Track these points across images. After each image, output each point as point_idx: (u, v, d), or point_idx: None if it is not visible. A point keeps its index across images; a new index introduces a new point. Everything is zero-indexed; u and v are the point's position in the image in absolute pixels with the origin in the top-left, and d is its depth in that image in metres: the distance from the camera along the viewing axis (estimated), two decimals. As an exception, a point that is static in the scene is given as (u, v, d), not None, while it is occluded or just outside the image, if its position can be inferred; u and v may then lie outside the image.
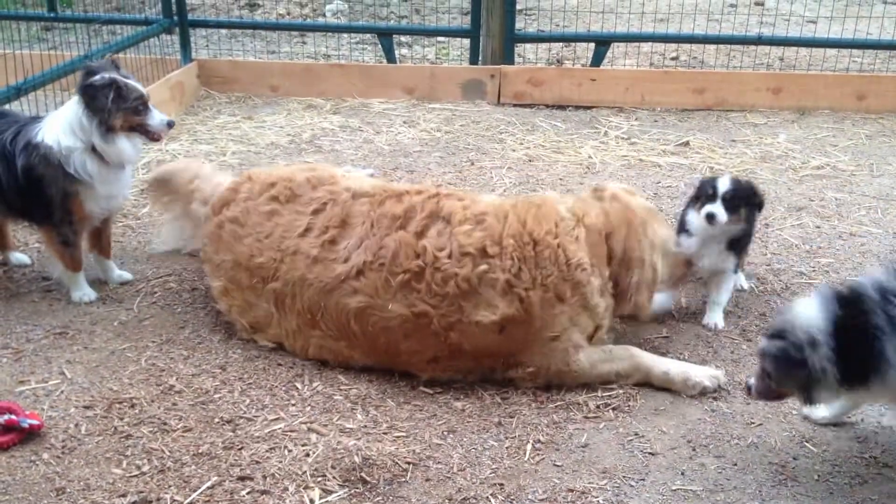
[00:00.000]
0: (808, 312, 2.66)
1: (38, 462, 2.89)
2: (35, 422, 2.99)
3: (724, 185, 3.79)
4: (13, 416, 2.96)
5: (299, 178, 3.75)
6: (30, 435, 2.99)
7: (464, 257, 3.33)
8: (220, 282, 3.73)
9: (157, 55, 7.08)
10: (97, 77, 3.76)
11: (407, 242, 3.39)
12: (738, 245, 3.90)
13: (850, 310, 2.60)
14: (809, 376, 2.61)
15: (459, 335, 3.32)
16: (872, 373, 2.56)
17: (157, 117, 3.86)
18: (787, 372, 2.69)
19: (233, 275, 3.67)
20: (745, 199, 3.81)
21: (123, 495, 2.74)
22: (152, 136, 3.90)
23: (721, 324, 3.88)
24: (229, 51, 8.22)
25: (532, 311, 3.30)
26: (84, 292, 3.94)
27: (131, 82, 3.82)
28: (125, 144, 3.82)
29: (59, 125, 3.76)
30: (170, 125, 3.91)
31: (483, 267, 3.31)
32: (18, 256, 4.28)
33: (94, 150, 3.76)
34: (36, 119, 3.95)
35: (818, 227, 4.98)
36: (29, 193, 3.75)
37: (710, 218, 3.74)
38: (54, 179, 3.73)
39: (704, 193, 3.80)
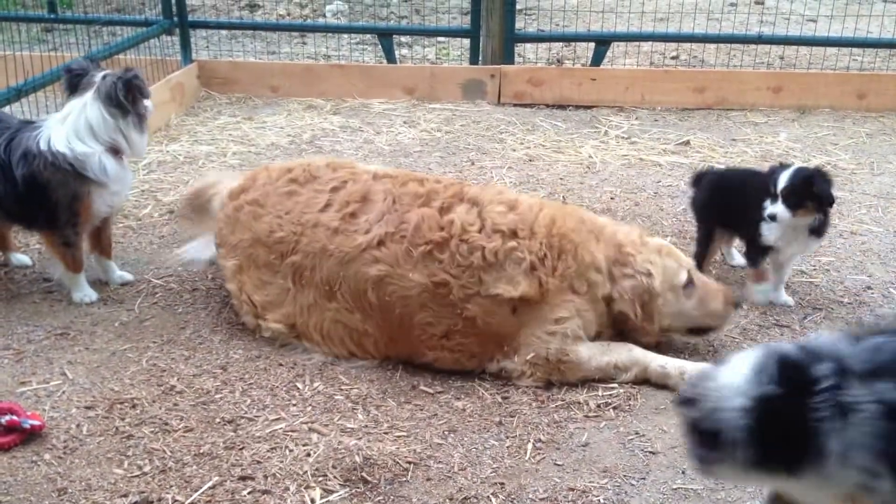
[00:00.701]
0: (734, 379, 2.05)
1: (39, 462, 2.89)
2: (36, 422, 3.00)
3: (783, 181, 3.72)
4: (14, 417, 2.97)
5: (318, 163, 3.84)
6: (31, 435, 2.99)
7: (494, 234, 3.42)
8: (234, 261, 3.75)
9: (158, 56, 7.08)
10: (112, 72, 3.83)
11: (430, 216, 3.46)
12: (820, 230, 3.90)
13: (789, 388, 2.01)
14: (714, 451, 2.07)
15: (476, 307, 3.39)
16: (807, 464, 2.03)
17: (150, 107, 3.99)
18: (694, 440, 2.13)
19: (250, 252, 3.70)
20: (805, 195, 3.72)
21: (125, 495, 2.74)
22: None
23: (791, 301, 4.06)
24: (229, 52, 8.23)
25: (546, 297, 3.40)
26: (85, 293, 3.95)
27: (140, 76, 3.92)
28: (145, 137, 3.95)
29: (72, 130, 3.73)
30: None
31: (512, 244, 3.40)
32: (19, 257, 4.29)
33: (112, 150, 3.77)
34: (28, 123, 3.93)
35: (819, 225, 4.98)
36: (30, 200, 3.74)
37: (772, 218, 3.74)
38: (63, 184, 3.71)
39: (771, 187, 3.76)
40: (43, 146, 3.70)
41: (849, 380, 1.97)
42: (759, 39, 7.89)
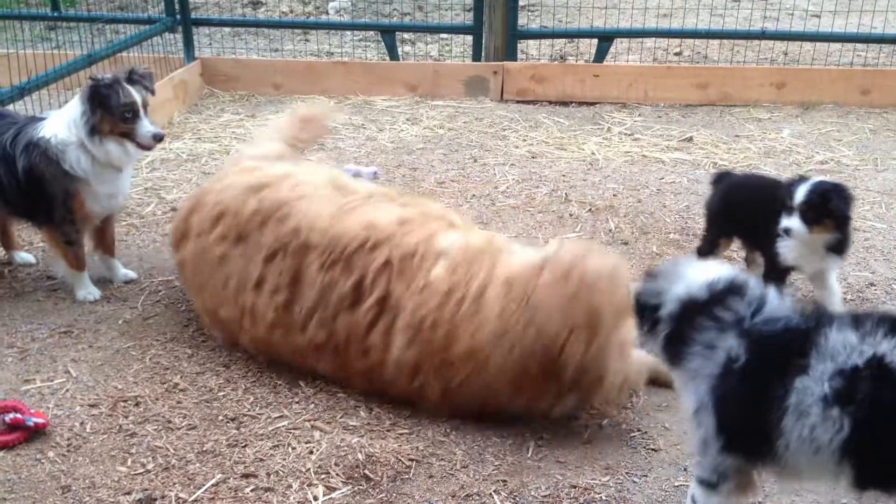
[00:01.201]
0: (686, 282, 2.42)
1: (43, 460, 2.91)
2: (40, 420, 3.01)
3: (800, 195, 3.52)
4: (18, 415, 2.98)
5: (247, 210, 3.47)
6: (35, 433, 3.01)
7: (400, 373, 3.19)
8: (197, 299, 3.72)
9: (161, 54, 7.10)
10: (103, 76, 3.79)
11: (357, 336, 3.22)
12: (839, 247, 3.70)
13: (710, 300, 2.36)
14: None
15: None
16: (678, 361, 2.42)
17: (145, 128, 3.82)
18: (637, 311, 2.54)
19: (205, 320, 3.67)
20: (823, 210, 3.53)
21: (128, 493, 2.75)
22: (139, 146, 3.88)
23: None
24: (232, 49, 8.23)
25: None
26: (88, 291, 3.96)
27: (127, 89, 3.78)
28: (112, 147, 3.81)
29: (60, 120, 3.79)
30: (157, 138, 3.85)
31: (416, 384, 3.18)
32: (23, 256, 4.30)
33: (82, 146, 3.78)
34: (35, 119, 3.97)
35: (822, 222, 4.97)
36: (31, 193, 3.77)
37: (787, 232, 3.57)
38: (55, 178, 3.75)
39: (788, 200, 3.56)
40: (39, 135, 3.75)
41: (730, 331, 2.29)
42: (763, 35, 7.87)
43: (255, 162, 3.86)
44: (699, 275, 2.43)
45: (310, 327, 3.28)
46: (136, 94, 3.81)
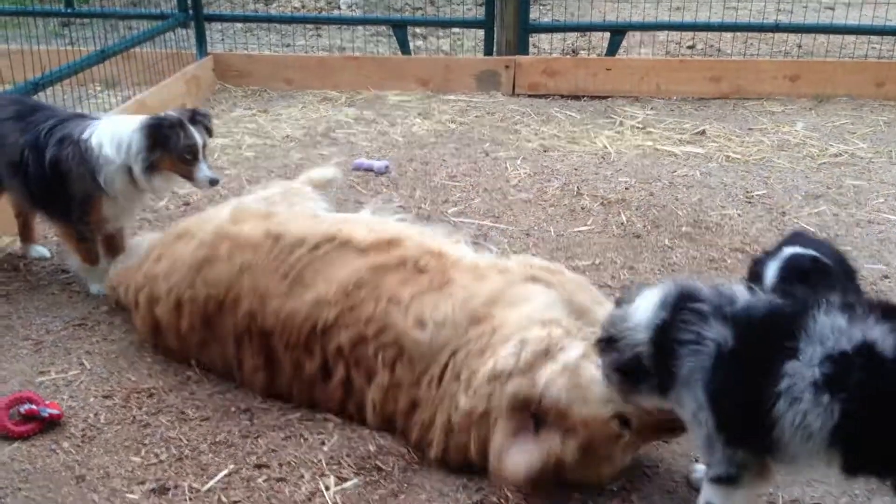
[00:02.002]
0: (641, 315, 2.34)
1: (58, 451, 2.93)
2: (55, 411, 3.03)
3: (770, 275, 2.89)
4: (33, 406, 3.00)
5: (199, 297, 3.28)
6: (50, 424, 3.03)
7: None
8: None
9: (173, 49, 7.12)
10: (167, 115, 3.79)
11: (334, 407, 3.12)
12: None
13: (672, 316, 2.28)
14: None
15: None
16: (670, 388, 2.32)
17: (202, 172, 3.80)
18: (615, 378, 2.44)
19: None
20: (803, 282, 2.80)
21: (142, 483, 2.77)
22: (194, 186, 3.94)
23: None
24: (244, 44, 8.25)
25: None
26: (102, 285, 3.98)
27: (190, 130, 3.76)
28: (160, 182, 3.83)
29: (111, 134, 3.74)
30: (213, 182, 3.83)
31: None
32: (39, 249, 4.33)
33: (129, 171, 3.75)
34: (80, 116, 3.93)
35: (836, 214, 4.95)
36: (53, 185, 3.77)
37: None
38: (81, 179, 3.72)
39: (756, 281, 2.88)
40: (84, 135, 3.72)
41: (713, 320, 2.21)
42: (777, 28, 7.83)
43: (186, 223, 3.68)
44: (646, 301, 2.34)
45: (293, 397, 3.22)
46: (197, 136, 3.77)
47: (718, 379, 2.19)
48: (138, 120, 3.80)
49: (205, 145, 3.83)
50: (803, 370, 2.07)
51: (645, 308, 2.33)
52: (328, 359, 3.07)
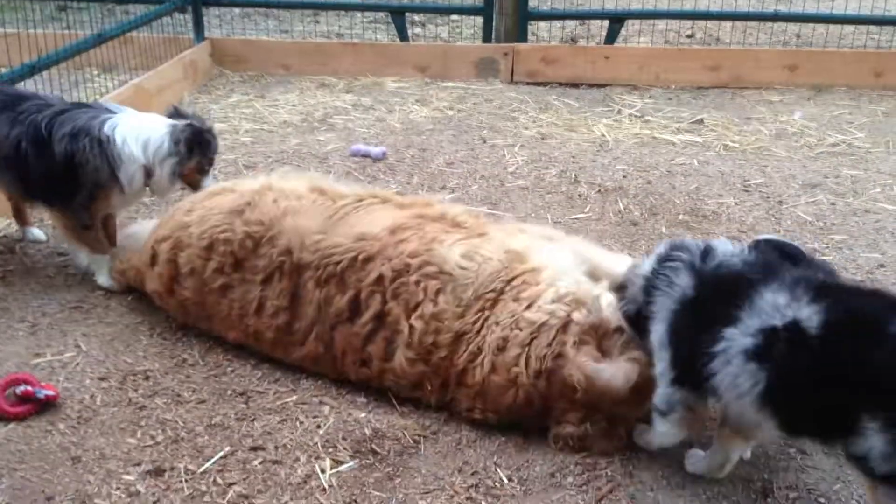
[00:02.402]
0: (646, 262, 2.70)
1: (53, 432, 2.93)
2: (51, 393, 3.03)
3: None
4: (29, 388, 3.00)
5: (236, 236, 3.35)
6: (46, 406, 3.03)
7: (400, 383, 3.12)
8: None
9: (171, 34, 7.10)
10: (202, 122, 3.87)
11: (354, 348, 3.15)
12: None
13: (658, 266, 2.62)
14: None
15: None
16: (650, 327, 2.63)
17: (208, 181, 3.91)
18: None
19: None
20: None
21: (138, 464, 2.78)
22: (193, 191, 3.94)
23: None
24: (242, 30, 8.22)
25: None
26: (112, 277, 3.88)
27: (217, 140, 3.90)
28: (177, 186, 3.88)
29: (136, 133, 3.71)
30: None
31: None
32: (35, 232, 4.31)
33: (147, 171, 3.75)
34: (82, 106, 3.86)
35: (833, 203, 4.95)
36: (59, 177, 3.69)
37: None
38: (97, 171, 3.67)
39: None
40: (105, 130, 3.67)
41: (684, 270, 2.50)
42: (776, 17, 7.81)
43: (225, 183, 3.79)
44: (653, 254, 2.69)
45: (308, 341, 3.23)
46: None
47: (676, 321, 2.49)
48: (165, 122, 3.80)
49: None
50: (738, 338, 2.32)
51: (649, 260, 2.67)
52: (361, 293, 3.13)
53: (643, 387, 2.70)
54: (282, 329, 3.27)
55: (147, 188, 3.86)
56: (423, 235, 3.17)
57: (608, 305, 2.90)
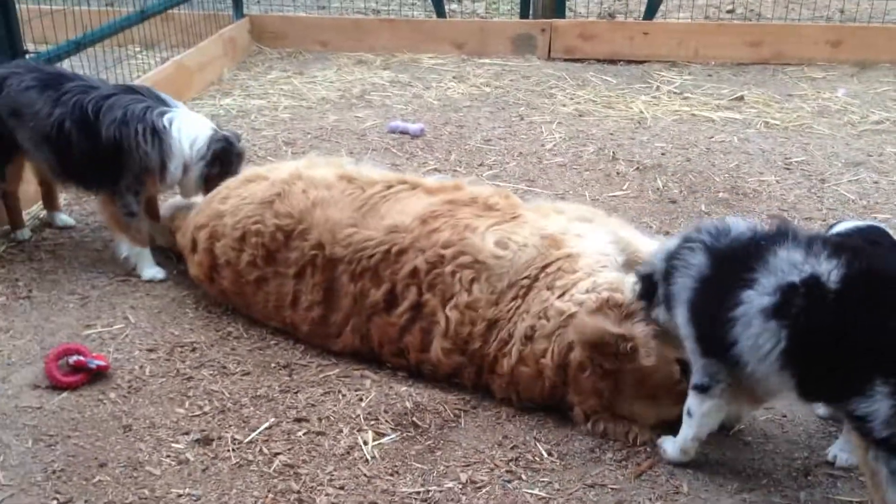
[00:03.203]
0: (666, 246, 2.73)
1: (105, 401, 3.02)
2: (102, 363, 3.12)
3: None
4: (81, 357, 3.10)
5: (267, 229, 3.38)
6: (97, 375, 3.12)
7: (437, 369, 3.13)
8: None
9: (210, 10, 7.14)
10: (237, 140, 4.00)
11: (391, 338, 3.18)
12: None
13: (678, 247, 2.64)
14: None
15: None
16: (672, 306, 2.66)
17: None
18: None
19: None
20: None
21: (187, 433, 2.86)
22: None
23: None
24: (280, 6, 8.25)
25: None
26: (155, 271, 3.90)
27: (238, 164, 3.97)
28: (200, 189, 3.94)
29: (188, 131, 3.80)
30: None
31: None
32: (63, 217, 4.33)
33: (186, 168, 3.84)
34: (129, 91, 3.87)
35: (876, 182, 4.89)
36: (104, 161, 3.73)
37: None
38: (147, 157, 3.72)
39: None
40: (164, 122, 3.75)
41: (699, 250, 2.53)
42: (819, -8, 7.66)
43: (259, 168, 3.82)
44: (669, 244, 2.73)
45: (345, 333, 3.27)
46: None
47: (696, 298, 2.53)
48: (210, 126, 3.89)
49: None
50: (756, 299, 2.33)
51: (670, 242, 2.73)
52: (396, 286, 3.14)
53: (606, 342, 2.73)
54: (317, 322, 3.31)
55: (178, 185, 3.93)
56: (456, 223, 3.16)
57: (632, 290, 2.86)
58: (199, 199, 3.94)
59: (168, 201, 4.28)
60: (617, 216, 3.70)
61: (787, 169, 5.07)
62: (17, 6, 4.53)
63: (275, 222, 3.38)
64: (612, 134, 5.62)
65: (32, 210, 4.44)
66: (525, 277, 3.01)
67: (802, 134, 5.64)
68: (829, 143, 5.45)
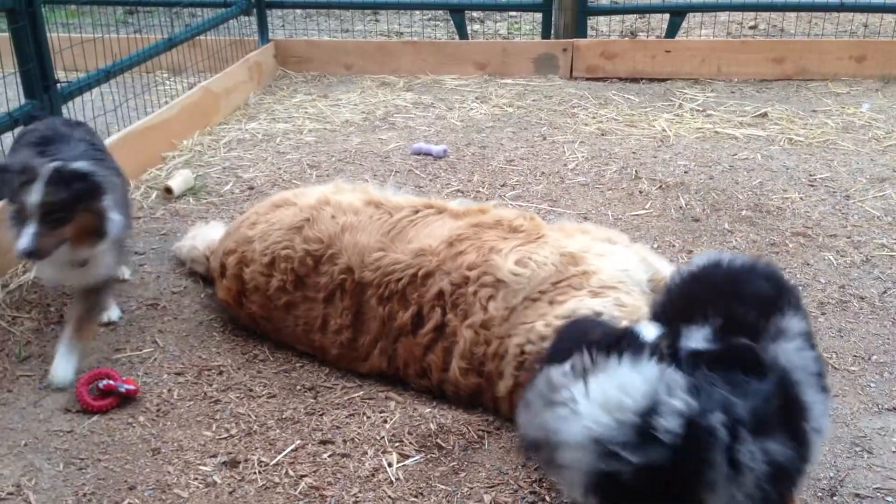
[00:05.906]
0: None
1: (134, 424, 3.07)
2: (131, 387, 3.18)
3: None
4: (111, 382, 3.15)
5: (297, 254, 3.44)
6: (126, 399, 3.17)
7: (457, 390, 3.15)
8: None
9: (236, 36, 7.27)
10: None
11: (415, 357, 3.21)
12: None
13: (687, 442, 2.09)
14: None
15: None
16: None
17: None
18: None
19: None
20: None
21: (214, 455, 2.90)
22: None
23: None
24: (304, 30, 8.38)
25: None
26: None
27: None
28: None
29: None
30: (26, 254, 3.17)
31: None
32: None
33: None
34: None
35: (902, 198, 4.86)
36: None
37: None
38: None
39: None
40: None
41: (741, 433, 1.95)
42: (842, 7, 7.64)
43: (286, 193, 3.83)
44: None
45: (372, 356, 3.31)
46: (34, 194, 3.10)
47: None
48: None
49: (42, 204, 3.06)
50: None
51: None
52: (423, 308, 3.18)
53: None
54: (346, 345, 3.35)
55: None
56: (481, 245, 3.19)
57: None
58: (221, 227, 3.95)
59: (193, 230, 4.34)
60: (641, 240, 3.69)
61: (812, 186, 5.05)
62: (48, 35, 4.65)
63: (304, 247, 3.44)
64: (634, 152, 5.63)
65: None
66: (538, 292, 3.02)
67: (826, 150, 5.61)
68: (854, 159, 5.42)
